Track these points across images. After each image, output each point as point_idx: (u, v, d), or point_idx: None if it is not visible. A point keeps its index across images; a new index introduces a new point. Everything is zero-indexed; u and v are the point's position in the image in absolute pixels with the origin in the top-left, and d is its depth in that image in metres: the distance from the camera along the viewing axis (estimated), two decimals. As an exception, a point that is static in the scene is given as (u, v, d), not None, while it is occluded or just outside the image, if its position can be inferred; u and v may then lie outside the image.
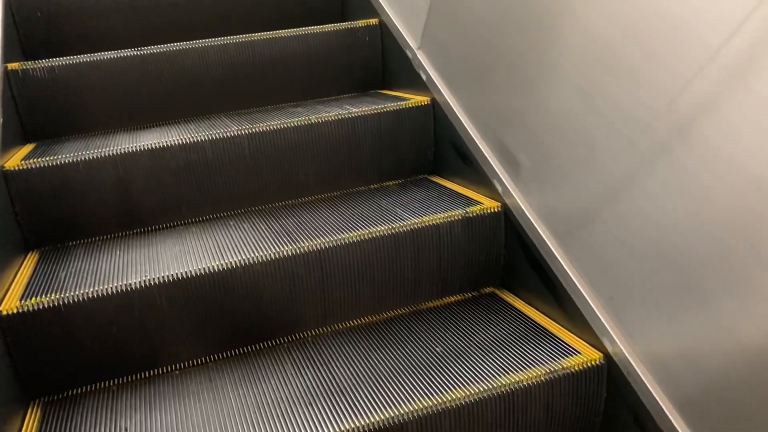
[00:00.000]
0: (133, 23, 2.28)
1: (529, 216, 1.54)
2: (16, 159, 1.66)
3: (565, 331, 1.46)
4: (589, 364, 1.34)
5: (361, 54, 2.20)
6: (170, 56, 2.01)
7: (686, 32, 1.08)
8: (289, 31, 2.11)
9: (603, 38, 1.26)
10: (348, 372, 1.39)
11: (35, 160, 1.62)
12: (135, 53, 1.97)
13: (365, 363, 1.41)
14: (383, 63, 2.21)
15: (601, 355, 1.35)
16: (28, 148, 1.83)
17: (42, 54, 2.15)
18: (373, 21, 2.18)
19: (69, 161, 1.64)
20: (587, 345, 1.39)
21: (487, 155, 1.68)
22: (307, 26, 2.15)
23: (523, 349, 1.41)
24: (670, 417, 1.17)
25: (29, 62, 1.90)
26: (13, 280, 1.47)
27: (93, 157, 1.65)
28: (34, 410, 1.37)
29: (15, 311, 1.34)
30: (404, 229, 1.59)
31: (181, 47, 2.01)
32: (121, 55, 1.96)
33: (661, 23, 1.13)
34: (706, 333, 1.10)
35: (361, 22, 2.18)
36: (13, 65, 1.88)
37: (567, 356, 1.36)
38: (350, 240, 1.55)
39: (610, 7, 1.24)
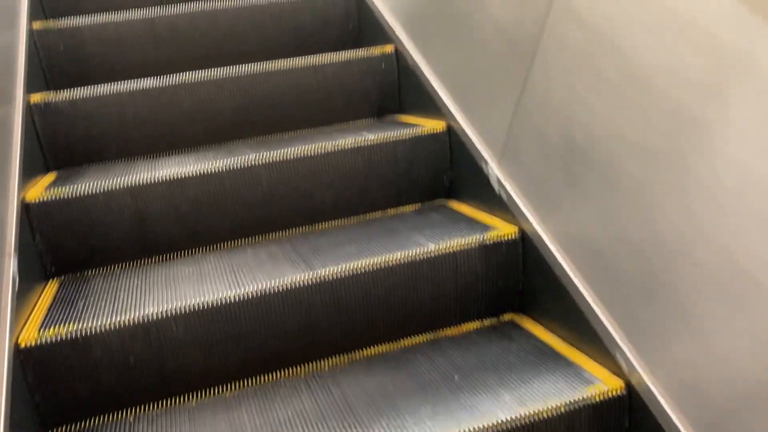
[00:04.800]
0: (153, 55, 2.31)
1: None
2: (38, 189, 1.68)
3: (586, 358, 1.44)
4: (610, 394, 1.31)
5: (377, 80, 2.21)
6: (189, 86, 2.03)
7: None
8: (306, 59, 2.13)
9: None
10: (365, 402, 1.37)
11: (55, 190, 1.64)
12: (154, 84, 2.00)
13: (383, 393, 1.40)
14: (399, 90, 2.22)
15: (623, 383, 1.32)
16: (49, 178, 1.86)
17: (64, 85, 2.18)
18: (389, 48, 2.19)
19: (88, 192, 1.66)
20: (609, 373, 1.36)
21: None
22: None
23: (543, 377, 1.39)
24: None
25: (51, 93, 1.93)
26: (32, 310, 1.48)
27: (112, 187, 1.67)
28: (52, 441, 1.37)
29: (34, 342, 1.35)
30: (421, 256, 1.58)
31: (199, 77, 2.04)
32: (141, 86, 1.99)
33: None
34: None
35: (376, 50, 2.19)
36: (35, 97, 1.91)
37: (588, 385, 1.34)
38: (367, 268, 1.54)
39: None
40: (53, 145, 1.96)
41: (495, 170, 1.70)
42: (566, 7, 1.43)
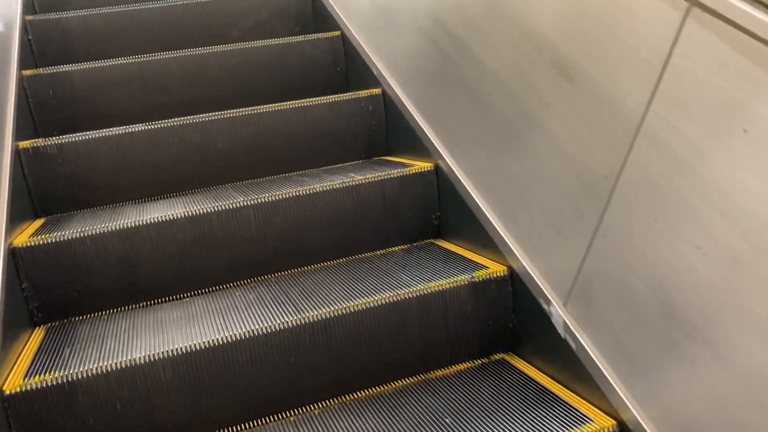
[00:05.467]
0: (142, 101, 2.34)
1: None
2: (25, 235, 1.68)
3: (577, 398, 1.43)
4: (602, 433, 1.30)
5: (364, 122, 2.23)
6: (177, 130, 2.05)
7: None
8: (294, 103, 2.16)
9: None
10: (355, 446, 1.35)
11: (43, 236, 1.64)
12: (143, 128, 2.02)
13: (373, 436, 1.38)
14: (387, 137, 2.24)
15: (615, 422, 1.31)
16: (36, 224, 1.85)
17: (53, 131, 2.20)
18: (376, 91, 2.22)
19: (76, 236, 1.65)
20: (600, 412, 1.35)
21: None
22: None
23: (534, 418, 1.38)
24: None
25: (40, 140, 1.94)
26: (18, 358, 1.46)
27: (100, 232, 1.67)
28: (36, 492, 1.34)
29: (18, 390, 1.33)
30: (410, 295, 1.57)
31: (188, 121, 2.05)
32: (129, 130, 2.01)
33: None
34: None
35: (362, 93, 2.22)
36: (24, 143, 1.92)
37: (579, 424, 1.33)
38: (355, 308, 1.54)
39: None
40: (41, 191, 1.96)
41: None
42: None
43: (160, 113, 2.24)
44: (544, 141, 1.47)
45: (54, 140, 1.95)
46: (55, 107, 2.25)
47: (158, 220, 1.71)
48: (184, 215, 1.73)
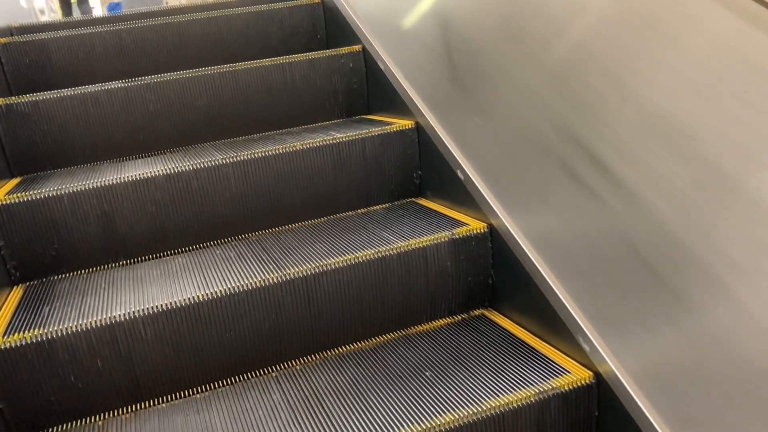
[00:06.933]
0: (120, 68, 2.30)
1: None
2: (0, 194, 1.65)
3: (555, 350, 1.45)
4: (579, 384, 1.33)
5: (344, 79, 2.21)
6: (155, 87, 2.01)
7: None
8: (273, 60, 2.13)
9: None
10: (337, 400, 1.37)
11: (19, 194, 1.62)
12: (119, 85, 1.98)
13: (354, 390, 1.40)
14: (368, 95, 2.22)
15: (591, 374, 1.33)
16: (12, 183, 1.83)
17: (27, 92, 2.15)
18: (357, 47, 2.19)
19: (53, 195, 1.63)
20: (577, 364, 1.38)
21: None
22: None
23: (513, 370, 1.40)
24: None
25: (13, 97, 1.90)
26: (-4, 317, 1.45)
27: (77, 190, 1.65)
28: (18, 448, 1.35)
29: (-3, 348, 1.32)
30: (391, 252, 1.58)
31: (165, 78, 2.02)
32: (105, 87, 1.97)
33: None
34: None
35: (343, 50, 2.19)
36: (-3, 100, 1.88)
37: (557, 376, 1.35)
38: (337, 265, 1.54)
39: None
40: (16, 150, 1.92)
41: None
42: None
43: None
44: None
45: (28, 98, 1.91)
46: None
47: (136, 178, 1.69)
48: (163, 173, 1.71)
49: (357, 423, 1.28)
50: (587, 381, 1.33)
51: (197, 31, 2.36)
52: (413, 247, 1.60)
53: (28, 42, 2.20)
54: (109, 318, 1.39)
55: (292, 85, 2.16)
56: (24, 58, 2.20)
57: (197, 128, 2.09)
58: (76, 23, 2.57)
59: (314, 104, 2.20)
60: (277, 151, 1.80)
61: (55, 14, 6.03)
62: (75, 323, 1.38)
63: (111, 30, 2.27)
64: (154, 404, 1.45)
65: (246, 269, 1.55)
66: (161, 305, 1.42)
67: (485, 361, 1.45)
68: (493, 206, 1.61)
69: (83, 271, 1.70)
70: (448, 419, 1.25)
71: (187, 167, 1.73)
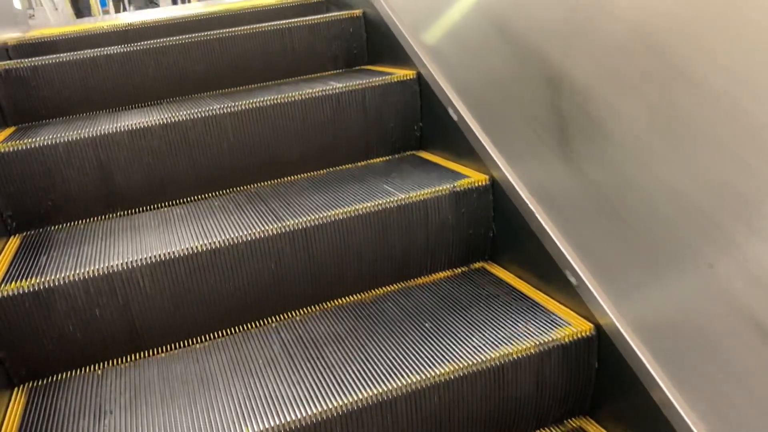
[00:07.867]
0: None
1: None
2: (-6, 143, 1.63)
3: (556, 303, 1.44)
4: (579, 336, 1.32)
5: (343, 43, 2.16)
6: (154, 52, 1.98)
7: None
8: (273, 24, 2.07)
9: None
10: (336, 350, 1.37)
11: (14, 143, 1.59)
12: (118, 50, 1.94)
13: (353, 341, 1.39)
14: (367, 45, 2.17)
15: (592, 326, 1.33)
16: (7, 131, 1.80)
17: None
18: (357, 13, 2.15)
19: (48, 143, 1.60)
20: (578, 316, 1.37)
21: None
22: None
23: (513, 322, 1.40)
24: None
25: (12, 62, 1.86)
26: (-8, 266, 1.44)
27: (73, 138, 1.62)
28: (19, 395, 1.35)
29: (-5, 296, 1.32)
30: (391, 204, 1.56)
31: (164, 43, 1.98)
32: (105, 52, 1.93)
33: None
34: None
35: (345, 14, 2.14)
36: (-8, 64, 1.84)
37: (557, 328, 1.35)
38: (337, 217, 1.52)
39: None
40: (14, 106, 1.89)
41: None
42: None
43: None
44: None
45: (27, 62, 1.87)
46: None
47: (133, 127, 1.66)
48: (159, 122, 1.68)
49: (356, 371, 1.28)
50: (588, 333, 1.33)
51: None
52: (414, 199, 1.58)
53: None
54: (107, 267, 1.38)
55: (292, 49, 2.11)
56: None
57: (195, 93, 2.07)
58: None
59: (314, 68, 2.16)
60: (276, 101, 1.77)
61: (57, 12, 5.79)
62: (72, 272, 1.37)
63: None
64: (153, 354, 1.45)
65: (245, 220, 1.54)
66: (159, 255, 1.41)
67: (485, 313, 1.44)
68: (495, 158, 1.59)
69: (80, 221, 1.69)
70: (447, 369, 1.25)
71: (184, 116, 1.70)
